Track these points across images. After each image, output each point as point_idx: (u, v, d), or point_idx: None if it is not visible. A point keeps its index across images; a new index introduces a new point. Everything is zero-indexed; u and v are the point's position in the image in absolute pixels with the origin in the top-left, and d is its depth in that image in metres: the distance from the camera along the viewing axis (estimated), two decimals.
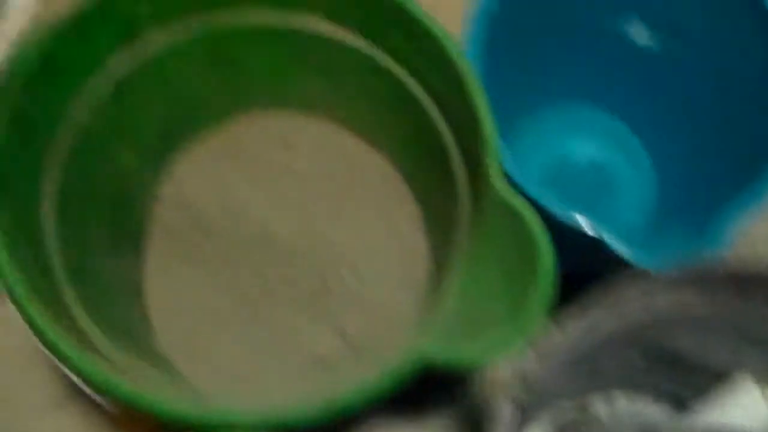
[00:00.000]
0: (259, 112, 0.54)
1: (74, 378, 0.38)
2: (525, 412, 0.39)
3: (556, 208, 0.42)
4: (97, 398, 0.39)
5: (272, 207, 0.53)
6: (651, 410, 0.54)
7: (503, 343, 0.36)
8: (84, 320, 0.42)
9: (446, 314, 0.39)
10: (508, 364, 0.39)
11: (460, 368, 0.38)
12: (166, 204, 0.53)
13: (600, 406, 0.54)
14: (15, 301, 0.38)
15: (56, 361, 0.37)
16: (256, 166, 0.53)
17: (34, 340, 0.56)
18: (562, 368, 0.43)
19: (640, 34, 0.53)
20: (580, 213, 0.43)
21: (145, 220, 0.53)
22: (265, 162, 0.53)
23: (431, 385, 0.52)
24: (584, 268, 0.45)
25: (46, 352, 0.37)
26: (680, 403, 0.54)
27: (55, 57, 0.42)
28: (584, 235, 0.43)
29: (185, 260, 0.52)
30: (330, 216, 0.53)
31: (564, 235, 0.40)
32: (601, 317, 0.42)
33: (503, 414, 0.37)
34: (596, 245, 0.43)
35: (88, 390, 0.39)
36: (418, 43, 0.43)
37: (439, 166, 0.47)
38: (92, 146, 0.46)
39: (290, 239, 0.52)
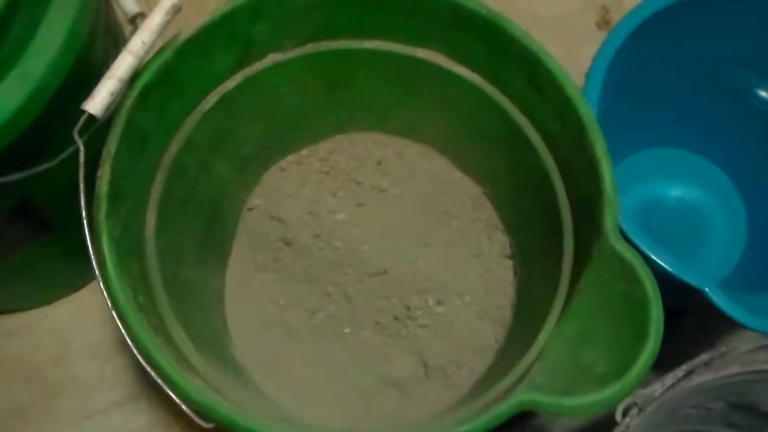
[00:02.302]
0: (358, 133, 0.54)
1: (160, 383, 0.37)
2: None
3: (665, 261, 0.42)
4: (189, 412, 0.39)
5: (361, 227, 0.52)
6: None
7: (609, 400, 0.36)
8: (175, 329, 0.42)
9: (551, 363, 0.39)
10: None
11: (559, 415, 0.38)
12: (255, 214, 0.53)
13: None
14: (120, 315, 0.38)
15: (155, 376, 0.37)
16: (349, 185, 0.53)
17: (110, 337, 0.58)
18: (649, 415, 0.43)
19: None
20: (670, 251, 0.43)
21: (233, 230, 0.53)
22: (359, 182, 0.53)
23: None
24: (673, 306, 0.45)
25: (142, 361, 0.37)
26: None
27: (175, 73, 0.42)
28: (687, 285, 0.43)
29: (267, 270, 0.52)
30: (419, 241, 0.52)
31: (662, 279, 0.39)
32: (699, 371, 0.41)
33: None
34: (696, 293, 0.43)
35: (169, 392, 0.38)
36: (540, 87, 0.43)
37: (539, 204, 0.46)
38: (192, 156, 0.46)
39: (376, 261, 0.51)
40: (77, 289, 0.58)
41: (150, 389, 0.56)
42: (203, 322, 0.47)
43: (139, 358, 0.37)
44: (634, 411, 0.39)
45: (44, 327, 0.57)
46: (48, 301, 0.58)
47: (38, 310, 0.58)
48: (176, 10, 0.40)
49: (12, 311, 0.57)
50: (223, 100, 0.46)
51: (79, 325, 0.57)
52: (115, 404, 0.56)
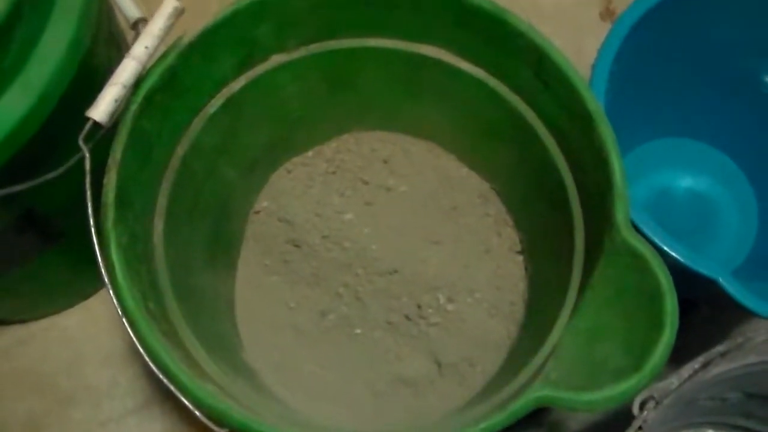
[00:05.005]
0: (364, 132, 0.54)
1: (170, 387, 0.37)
2: None
3: (678, 252, 0.41)
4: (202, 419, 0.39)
5: (370, 227, 0.52)
6: None
7: (626, 394, 0.36)
8: (186, 335, 0.42)
9: (566, 358, 0.39)
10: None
11: (576, 411, 0.38)
12: (262, 217, 0.53)
13: None
14: (130, 322, 0.37)
15: (167, 382, 0.37)
16: (356, 185, 0.53)
17: (121, 344, 0.58)
18: (665, 408, 0.43)
19: None
20: (680, 241, 0.43)
21: (241, 233, 0.52)
22: (366, 182, 0.53)
23: None
24: (685, 297, 0.44)
25: (151, 365, 0.37)
26: None
27: (179, 77, 0.41)
28: (700, 275, 0.42)
29: (276, 273, 0.52)
30: (428, 239, 0.52)
31: (674, 270, 0.39)
32: (716, 362, 0.41)
33: None
34: (709, 284, 0.42)
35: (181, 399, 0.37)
36: (547, 81, 0.43)
37: (549, 198, 0.46)
38: (199, 160, 0.46)
39: (386, 260, 0.51)
40: (87, 297, 0.58)
41: (163, 396, 0.56)
42: (214, 327, 0.47)
43: (151, 364, 0.37)
44: (651, 404, 0.38)
45: (55, 336, 0.57)
46: (58, 310, 0.58)
47: (49, 320, 0.58)
48: (178, 14, 0.39)
49: (23, 321, 0.57)
50: (228, 103, 0.45)
51: (90, 334, 0.57)
52: (128, 412, 0.56)
